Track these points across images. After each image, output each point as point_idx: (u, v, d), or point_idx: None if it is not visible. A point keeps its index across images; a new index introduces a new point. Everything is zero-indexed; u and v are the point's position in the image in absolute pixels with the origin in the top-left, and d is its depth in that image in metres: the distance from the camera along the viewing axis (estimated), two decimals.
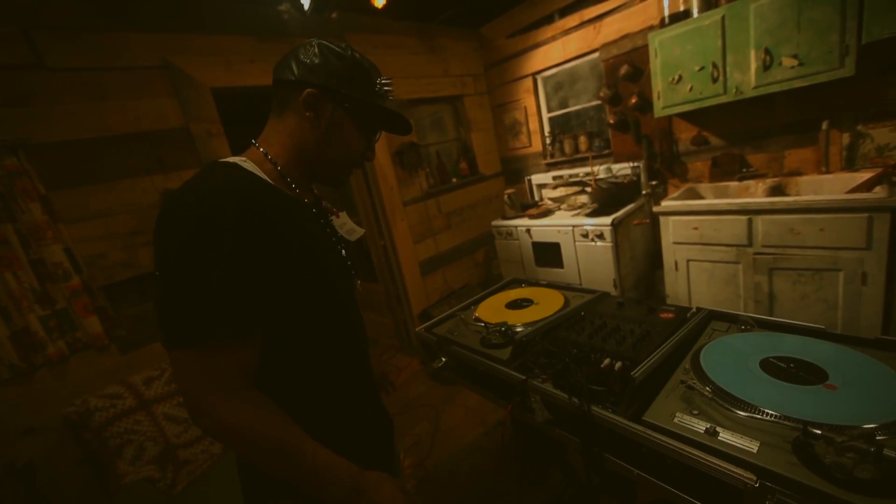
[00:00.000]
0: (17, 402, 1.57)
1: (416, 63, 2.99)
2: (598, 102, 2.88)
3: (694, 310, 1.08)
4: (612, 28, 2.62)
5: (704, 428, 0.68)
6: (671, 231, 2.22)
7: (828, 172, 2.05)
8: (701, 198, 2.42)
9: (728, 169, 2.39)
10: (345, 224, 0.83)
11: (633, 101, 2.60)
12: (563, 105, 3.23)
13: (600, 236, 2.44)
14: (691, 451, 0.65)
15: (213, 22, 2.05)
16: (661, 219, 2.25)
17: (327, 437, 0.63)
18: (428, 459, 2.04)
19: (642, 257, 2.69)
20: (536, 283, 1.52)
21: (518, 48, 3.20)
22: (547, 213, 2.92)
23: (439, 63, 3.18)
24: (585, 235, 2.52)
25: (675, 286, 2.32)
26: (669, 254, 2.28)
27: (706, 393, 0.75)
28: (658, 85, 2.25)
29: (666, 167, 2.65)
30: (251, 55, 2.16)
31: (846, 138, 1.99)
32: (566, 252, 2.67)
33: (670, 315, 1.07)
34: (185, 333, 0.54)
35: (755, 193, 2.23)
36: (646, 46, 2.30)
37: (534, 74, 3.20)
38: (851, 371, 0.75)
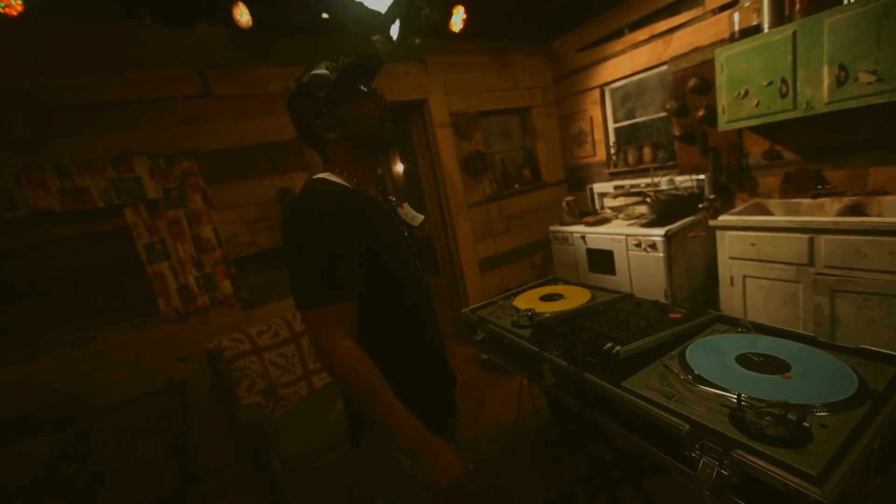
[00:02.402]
0: (177, 337, 2.20)
1: (487, 79, 3.28)
2: (665, 114, 2.89)
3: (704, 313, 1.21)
4: (681, 42, 2.64)
5: (666, 394, 0.87)
6: (727, 245, 2.22)
7: None
8: (768, 213, 2.35)
9: (802, 185, 2.29)
10: (408, 213, 1.11)
11: (701, 113, 2.60)
12: (630, 116, 3.27)
13: (653, 246, 2.49)
14: (647, 406, 0.85)
15: (323, 55, 2.55)
16: (718, 233, 2.25)
17: (401, 369, 0.86)
18: (469, 433, 2.32)
19: (701, 271, 2.67)
20: (570, 282, 1.71)
21: (587, 61, 3.32)
22: (603, 221, 3.01)
23: (509, 77, 3.43)
24: (638, 245, 2.58)
25: (731, 302, 2.30)
26: (725, 269, 2.27)
27: (675, 370, 0.93)
28: (723, 99, 2.26)
29: (733, 181, 2.59)
30: None
31: None
32: (619, 260, 2.75)
33: (679, 315, 1.23)
34: (305, 300, 0.79)
35: (829, 212, 2.12)
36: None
37: (601, 86, 3.29)
38: (812, 367, 0.87)
